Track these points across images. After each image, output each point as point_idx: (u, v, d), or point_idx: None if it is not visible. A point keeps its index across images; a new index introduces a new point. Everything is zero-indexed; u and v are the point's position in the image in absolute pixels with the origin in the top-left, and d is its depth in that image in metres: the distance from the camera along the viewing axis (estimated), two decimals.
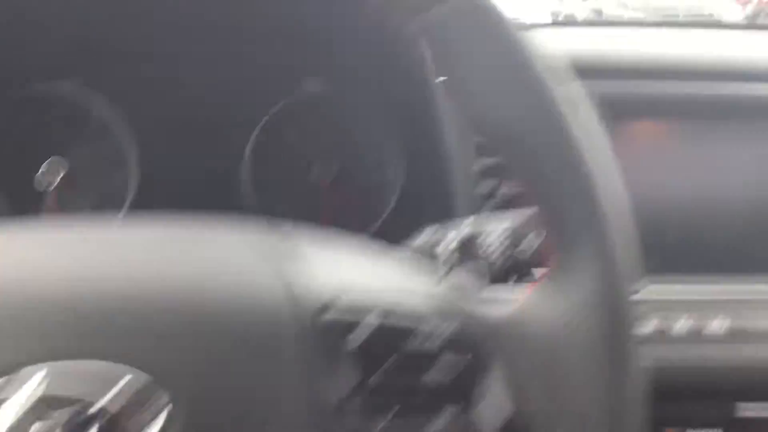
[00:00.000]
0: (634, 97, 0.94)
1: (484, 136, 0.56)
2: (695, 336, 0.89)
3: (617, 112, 0.88)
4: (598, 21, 1.25)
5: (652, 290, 0.89)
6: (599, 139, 0.53)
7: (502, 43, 0.50)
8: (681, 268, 0.92)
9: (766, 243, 0.94)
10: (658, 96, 0.94)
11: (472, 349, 0.47)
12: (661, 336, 0.88)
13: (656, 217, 0.93)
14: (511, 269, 0.64)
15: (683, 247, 0.94)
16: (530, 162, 0.51)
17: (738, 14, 1.23)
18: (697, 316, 0.89)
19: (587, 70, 0.86)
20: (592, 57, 0.96)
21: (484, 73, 0.50)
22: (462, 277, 0.58)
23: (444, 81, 0.52)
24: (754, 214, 0.94)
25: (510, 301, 0.50)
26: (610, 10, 1.26)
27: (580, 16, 1.19)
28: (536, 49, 0.52)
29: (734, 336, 0.89)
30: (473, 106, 0.52)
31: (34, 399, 0.37)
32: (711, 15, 1.24)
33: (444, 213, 0.86)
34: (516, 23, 0.51)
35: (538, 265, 0.63)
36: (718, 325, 0.89)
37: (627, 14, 1.28)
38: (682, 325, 0.89)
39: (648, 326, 0.88)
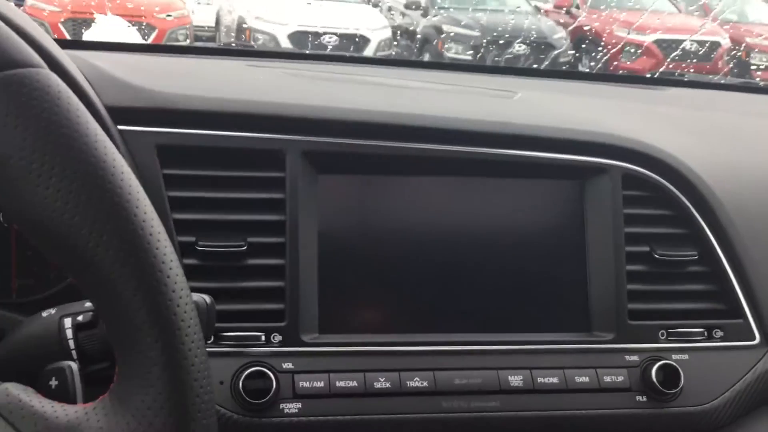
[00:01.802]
0: (337, 154, 1.00)
1: (22, 227, 0.51)
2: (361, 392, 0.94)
3: (321, 167, 0.99)
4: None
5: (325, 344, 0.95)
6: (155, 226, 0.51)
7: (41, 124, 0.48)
8: (363, 324, 0.99)
9: (445, 300, 1.01)
10: (361, 153, 1.00)
11: None
12: (330, 390, 0.93)
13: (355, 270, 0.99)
14: (86, 359, 0.64)
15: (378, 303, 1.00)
16: (82, 258, 0.48)
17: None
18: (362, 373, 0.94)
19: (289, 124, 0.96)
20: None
21: (29, 156, 0.48)
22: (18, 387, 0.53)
23: None
24: (446, 274, 1.01)
25: (76, 409, 0.49)
26: None
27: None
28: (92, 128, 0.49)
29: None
30: (9, 193, 0.49)
31: None
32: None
33: None
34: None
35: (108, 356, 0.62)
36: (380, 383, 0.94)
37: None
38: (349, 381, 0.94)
39: (317, 383, 0.93)
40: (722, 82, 1.86)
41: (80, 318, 0.65)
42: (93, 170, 0.48)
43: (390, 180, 1.03)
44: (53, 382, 0.58)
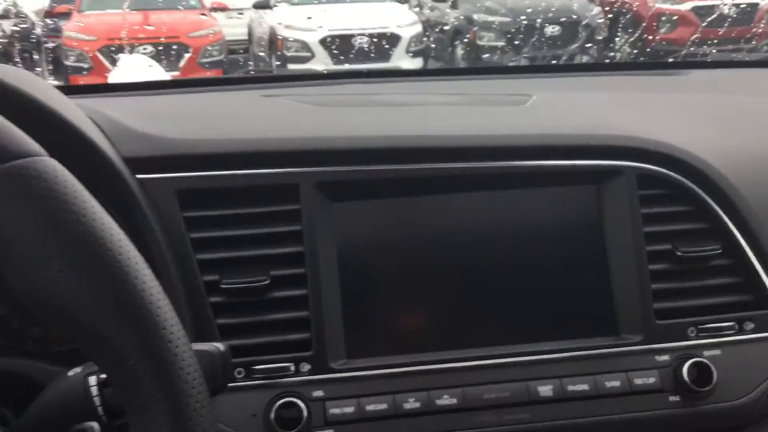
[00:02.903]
0: (349, 182, 1.02)
1: (34, 310, 0.54)
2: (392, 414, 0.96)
3: (335, 196, 1.01)
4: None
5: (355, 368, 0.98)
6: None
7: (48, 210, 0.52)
8: (394, 346, 1.00)
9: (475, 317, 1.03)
10: (373, 179, 1.03)
11: None
12: (360, 415, 0.95)
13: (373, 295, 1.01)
14: (113, 415, 0.66)
15: (402, 325, 1.02)
16: (87, 332, 0.53)
17: None
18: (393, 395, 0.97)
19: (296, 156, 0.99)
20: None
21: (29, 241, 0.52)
22: None
23: None
24: (469, 289, 1.03)
25: None
26: None
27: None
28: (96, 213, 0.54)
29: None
30: (17, 275, 0.52)
31: None
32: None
33: None
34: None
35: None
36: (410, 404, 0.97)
37: None
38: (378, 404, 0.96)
39: (347, 408, 0.96)
40: (746, 59, 1.83)
41: (104, 375, 0.68)
42: (93, 248, 0.52)
43: (404, 201, 1.05)
44: None
